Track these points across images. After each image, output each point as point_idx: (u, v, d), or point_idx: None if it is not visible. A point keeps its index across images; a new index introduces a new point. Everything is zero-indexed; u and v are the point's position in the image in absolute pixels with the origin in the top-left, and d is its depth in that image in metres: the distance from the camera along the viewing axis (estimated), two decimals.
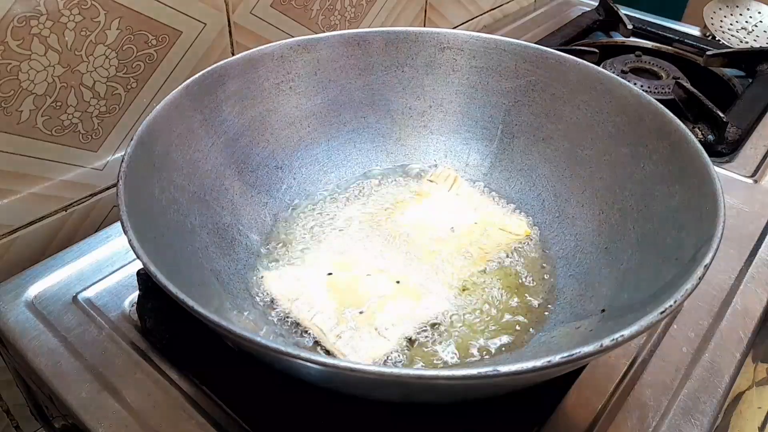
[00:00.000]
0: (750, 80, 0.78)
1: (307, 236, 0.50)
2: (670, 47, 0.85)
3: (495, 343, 0.42)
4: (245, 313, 0.43)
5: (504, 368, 0.28)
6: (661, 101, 0.46)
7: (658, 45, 0.86)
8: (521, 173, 0.53)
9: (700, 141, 0.43)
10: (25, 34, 0.45)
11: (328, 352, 0.41)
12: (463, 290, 0.46)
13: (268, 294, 0.45)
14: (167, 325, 0.43)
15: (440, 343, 0.42)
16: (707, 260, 0.33)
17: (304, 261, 0.48)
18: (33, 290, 0.47)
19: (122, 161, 0.39)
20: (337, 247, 0.49)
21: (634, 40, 0.87)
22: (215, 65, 0.48)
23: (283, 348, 0.28)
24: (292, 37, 0.53)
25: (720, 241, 0.34)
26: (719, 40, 0.88)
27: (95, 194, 0.55)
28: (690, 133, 0.42)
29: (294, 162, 0.54)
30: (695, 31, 0.90)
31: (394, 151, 0.57)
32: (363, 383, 0.32)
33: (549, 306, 0.45)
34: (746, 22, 0.86)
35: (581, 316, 0.42)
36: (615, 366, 0.43)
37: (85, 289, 0.47)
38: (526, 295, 0.46)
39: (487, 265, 0.48)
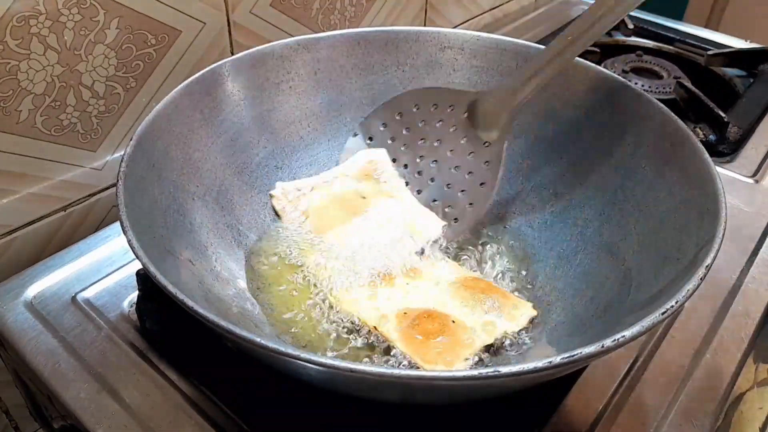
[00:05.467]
0: (751, 80, 0.78)
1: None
2: (671, 47, 0.85)
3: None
4: (245, 314, 0.43)
5: (505, 369, 0.27)
6: (662, 101, 0.45)
7: (659, 44, 0.85)
8: (521, 173, 0.53)
9: (701, 141, 0.43)
10: (24, 34, 0.45)
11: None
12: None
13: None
14: (167, 325, 0.43)
15: None
16: (708, 261, 0.33)
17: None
18: (32, 290, 0.47)
19: (121, 161, 0.39)
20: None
21: (635, 40, 0.87)
22: (215, 65, 0.48)
23: (282, 348, 0.28)
24: (292, 36, 0.53)
25: (721, 241, 0.34)
26: None
27: (94, 194, 0.55)
28: (691, 133, 0.42)
29: (294, 162, 0.54)
30: (697, 31, 0.90)
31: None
32: (363, 384, 0.32)
33: (550, 306, 0.45)
34: None
35: (582, 316, 0.42)
36: (616, 366, 0.43)
37: (84, 290, 0.47)
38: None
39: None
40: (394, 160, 0.52)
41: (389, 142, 0.53)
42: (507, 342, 0.42)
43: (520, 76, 0.47)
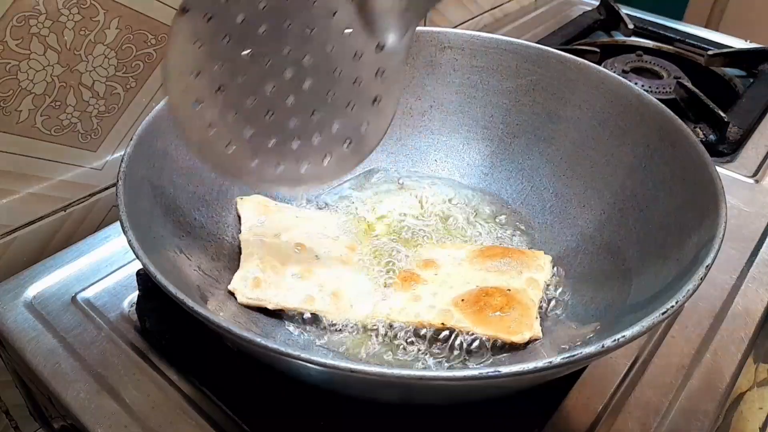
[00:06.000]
0: (751, 80, 0.78)
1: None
2: (671, 47, 0.85)
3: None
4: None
5: (505, 369, 0.27)
6: (662, 101, 0.45)
7: (659, 44, 0.85)
8: (522, 173, 0.53)
9: (701, 141, 0.43)
10: (24, 34, 0.45)
11: None
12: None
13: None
14: (167, 325, 0.43)
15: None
16: (708, 261, 0.33)
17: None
18: (32, 290, 0.47)
19: (122, 161, 0.39)
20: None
21: (635, 40, 0.87)
22: None
23: (282, 348, 0.28)
24: None
25: (721, 241, 0.34)
26: None
27: (94, 194, 0.55)
28: (691, 133, 0.42)
29: None
30: (697, 31, 0.90)
31: (395, 151, 0.56)
32: (363, 384, 0.32)
33: (550, 307, 0.45)
34: None
35: (582, 316, 0.42)
36: (616, 366, 0.43)
37: (84, 290, 0.47)
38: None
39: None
40: (248, 51, 0.38)
41: (238, 21, 0.37)
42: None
43: None
